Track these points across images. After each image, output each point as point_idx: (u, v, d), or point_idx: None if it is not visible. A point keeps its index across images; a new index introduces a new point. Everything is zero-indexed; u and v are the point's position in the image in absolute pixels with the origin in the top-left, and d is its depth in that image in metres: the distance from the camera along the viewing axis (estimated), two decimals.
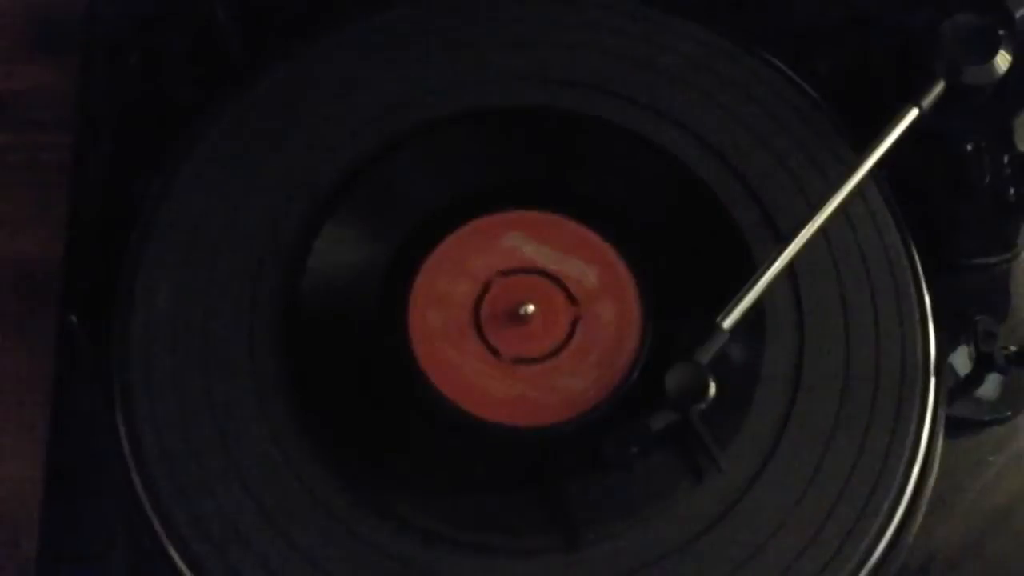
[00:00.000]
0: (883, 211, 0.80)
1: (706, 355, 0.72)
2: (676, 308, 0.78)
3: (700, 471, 0.73)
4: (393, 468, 0.75)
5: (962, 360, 0.80)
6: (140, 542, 0.75)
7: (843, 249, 0.79)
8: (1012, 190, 0.81)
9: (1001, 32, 0.79)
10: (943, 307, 0.78)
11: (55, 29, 0.94)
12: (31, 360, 0.86)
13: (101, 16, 0.90)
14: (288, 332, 0.77)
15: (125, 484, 0.74)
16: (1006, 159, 0.81)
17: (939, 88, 0.78)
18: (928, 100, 0.78)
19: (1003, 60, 0.79)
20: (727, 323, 0.73)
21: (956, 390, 0.79)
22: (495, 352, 0.77)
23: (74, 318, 0.81)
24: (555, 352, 0.77)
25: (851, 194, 0.76)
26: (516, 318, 0.77)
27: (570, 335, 0.78)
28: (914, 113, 0.78)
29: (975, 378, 0.79)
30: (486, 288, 0.79)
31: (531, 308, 0.77)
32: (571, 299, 0.79)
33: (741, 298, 0.74)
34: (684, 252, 0.79)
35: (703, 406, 0.71)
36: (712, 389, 0.71)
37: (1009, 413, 0.80)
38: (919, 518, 0.75)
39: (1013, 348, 0.77)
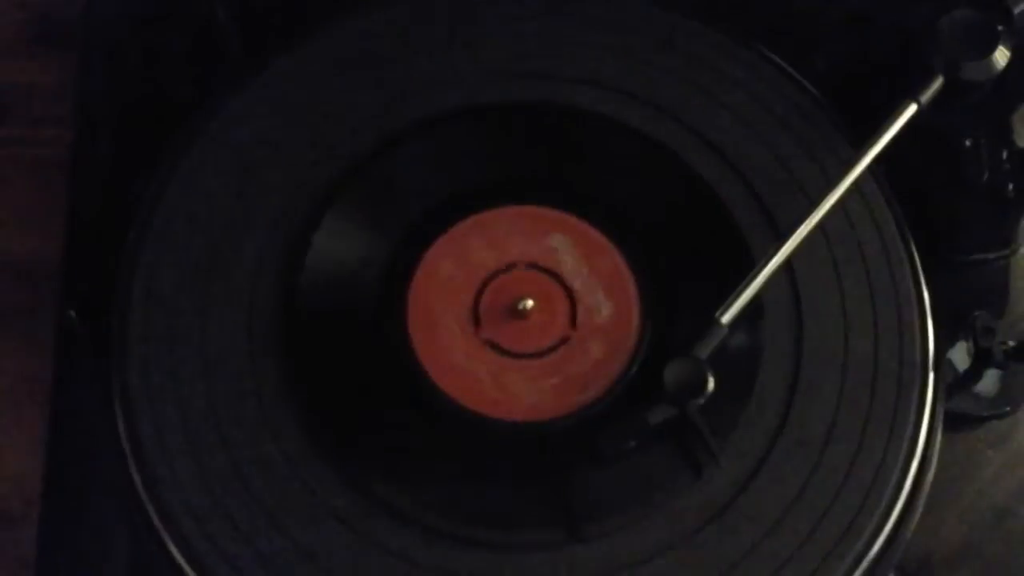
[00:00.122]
0: (882, 207, 0.80)
1: (705, 350, 0.72)
2: (675, 303, 0.78)
3: (699, 466, 0.73)
4: (393, 464, 0.75)
5: (961, 356, 0.80)
6: (140, 539, 0.75)
7: (842, 245, 0.79)
8: (1011, 186, 0.81)
9: (1000, 28, 0.79)
10: (942, 303, 0.78)
11: (54, 27, 0.94)
12: (30, 358, 0.86)
13: (100, 14, 0.90)
14: (287, 328, 0.77)
15: (125, 482, 0.74)
16: (1004, 155, 0.81)
17: (938, 84, 0.78)
18: (927, 96, 0.78)
19: (1001, 56, 0.79)
20: (726, 318, 0.73)
21: (955, 386, 0.79)
22: (494, 347, 0.77)
23: (73, 314, 0.81)
24: (554, 347, 0.77)
25: (849, 189, 0.76)
26: (515, 313, 0.78)
27: (569, 330, 0.78)
28: (913, 109, 0.78)
29: (974, 374, 0.79)
30: (485, 283, 0.79)
31: (530, 303, 0.77)
32: (570, 294, 0.79)
33: (740, 293, 0.74)
34: (683, 248, 0.79)
35: (702, 401, 0.71)
36: (711, 384, 0.71)
37: (1008, 408, 0.80)
38: (917, 514, 0.75)
39: (1011, 343, 0.77)
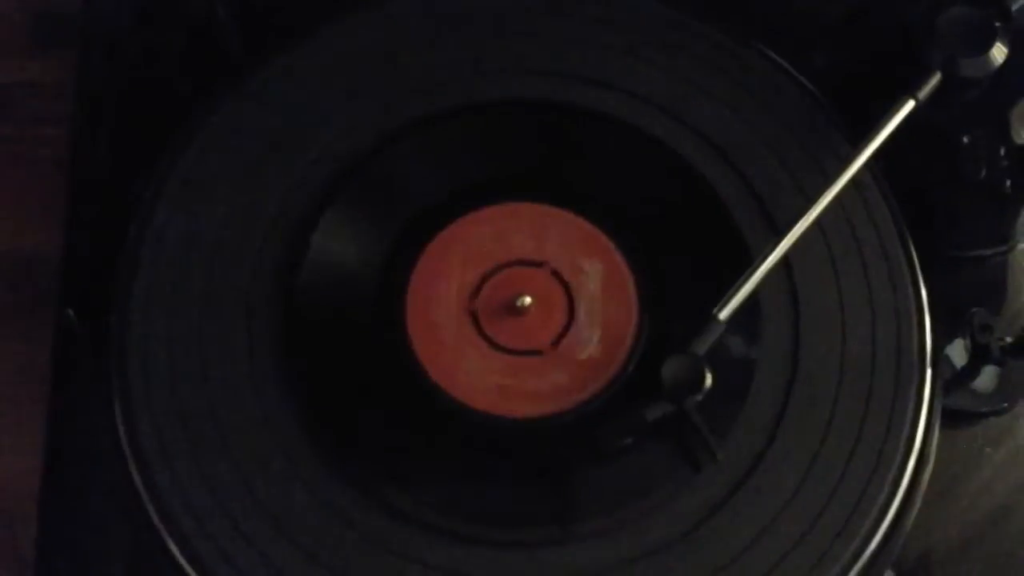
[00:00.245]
0: (879, 204, 0.80)
1: (703, 346, 0.72)
2: (673, 300, 0.78)
3: (697, 462, 0.73)
4: (392, 462, 0.75)
5: (958, 352, 0.80)
6: (140, 539, 0.75)
7: (839, 241, 0.79)
8: (1008, 182, 0.81)
9: (997, 24, 0.79)
10: (939, 299, 0.78)
11: (54, 24, 0.94)
12: (30, 356, 0.86)
13: (99, 11, 0.90)
14: (287, 328, 0.77)
15: (124, 481, 0.74)
16: (1002, 151, 0.81)
17: (935, 80, 0.78)
18: (924, 92, 0.78)
19: (999, 52, 0.79)
20: (723, 314, 0.73)
21: (952, 382, 0.79)
22: (493, 344, 0.77)
23: (72, 313, 0.81)
24: (552, 344, 0.77)
25: (847, 186, 0.76)
26: (513, 310, 0.78)
27: (567, 327, 0.78)
28: (910, 105, 0.78)
29: (971, 370, 0.79)
30: (483, 281, 0.79)
31: (528, 300, 0.78)
32: (568, 291, 0.79)
33: (737, 289, 0.74)
34: (681, 244, 0.79)
35: (699, 397, 0.71)
36: (708, 380, 0.71)
37: (1005, 405, 0.80)
38: (915, 511, 0.75)
39: (1009, 340, 0.77)
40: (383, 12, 0.84)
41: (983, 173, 0.81)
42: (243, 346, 0.76)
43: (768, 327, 0.77)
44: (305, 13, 0.85)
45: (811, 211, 0.76)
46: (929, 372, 0.77)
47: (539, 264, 0.79)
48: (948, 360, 0.79)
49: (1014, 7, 0.80)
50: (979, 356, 0.78)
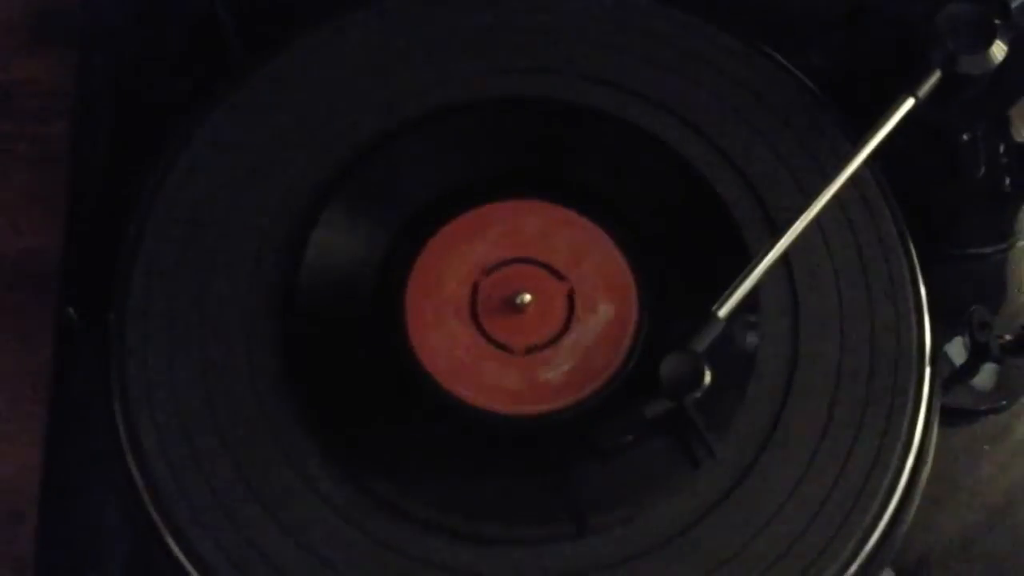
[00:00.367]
0: (879, 201, 0.80)
1: (702, 343, 0.72)
2: (672, 297, 0.78)
3: (695, 459, 0.72)
4: (392, 460, 0.75)
5: (958, 350, 0.80)
6: (140, 537, 0.75)
7: (839, 239, 0.79)
8: (1008, 180, 0.81)
9: (997, 22, 0.79)
10: (938, 297, 0.78)
11: (53, 21, 0.94)
12: (29, 354, 0.86)
13: (100, 9, 0.90)
14: (286, 326, 0.77)
15: (124, 480, 0.74)
16: (1002, 149, 0.81)
17: (935, 78, 0.78)
18: (924, 90, 0.78)
19: (999, 50, 0.79)
20: (723, 312, 0.73)
21: (951, 380, 0.79)
22: (492, 341, 0.77)
23: (72, 311, 0.81)
24: (551, 341, 0.77)
25: (846, 184, 0.76)
26: (513, 307, 0.78)
27: (566, 324, 0.78)
28: (910, 103, 0.78)
29: (970, 368, 0.79)
30: (483, 278, 0.79)
31: (527, 297, 0.77)
32: (567, 289, 0.79)
33: (737, 287, 0.74)
34: (680, 242, 0.79)
35: (698, 394, 0.71)
36: (707, 377, 0.71)
37: (1004, 403, 0.80)
38: (913, 509, 0.75)
39: (1008, 337, 0.77)
40: (383, 11, 0.84)
41: (982, 171, 0.81)
42: (242, 345, 0.76)
43: (767, 324, 0.77)
44: (304, 12, 0.85)
45: (810, 209, 0.75)
46: (928, 370, 0.77)
47: (538, 262, 0.79)
48: (947, 358, 0.79)
49: (1013, 5, 0.80)
50: (978, 354, 0.78)
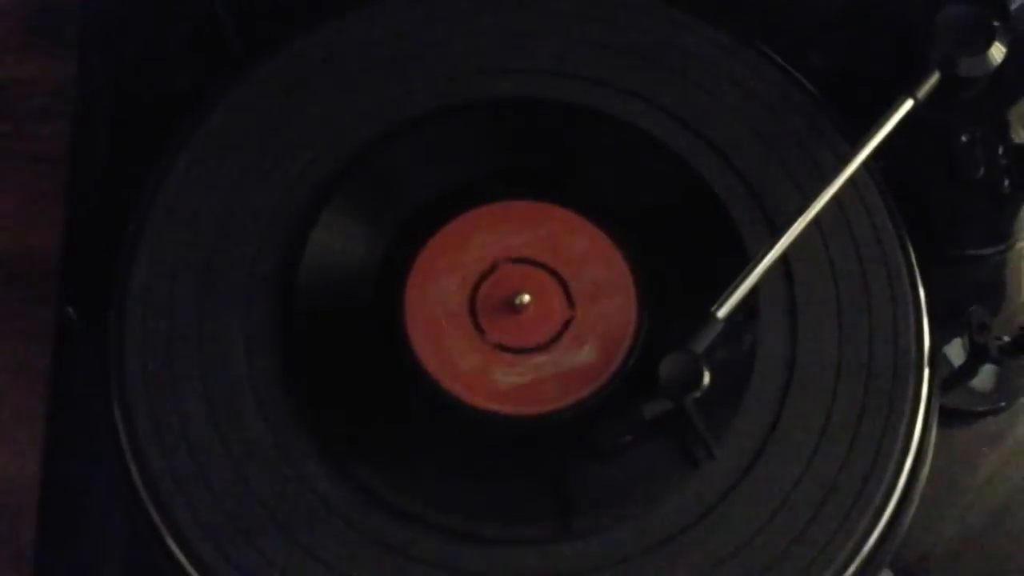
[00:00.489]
0: (878, 202, 0.80)
1: (701, 344, 0.72)
2: (671, 298, 0.78)
3: (694, 459, 0.73)
4: (391, 459, 0.75)
5: (956, 351, 0.80)
6: (139, 537, 0.75)
7: (837, 240, 0.79)
8: (1007, 181, 0.81)
9: (996, 23, 0.79)
10: (937, 298, 0.78)
11: (53, 19, 0.94)
12: (29, 351, 0.86)
13: (99, 8, 0.90)
14: (285, 325, 0.77)
15: (124, 479, 0.74)
16: (1001, 150, 0.81)
17: (934, 79, 0.78)
18: (923, 91, 0.78)
19: (997, 51, 0.79)
20: (722, 312, 0.73)
21: (950, 381, 0.79)
22: (491, 341, 0.77)
23: (71, 310, 0.81)
24: (551, 341, 0.77)
25: (845, 185, 0.76)
26: (512, 308, 0.78)
27: (566, 324, 0.78)
28: (909, 104, 0.78)
29: (969, 369, 0.79)
30: (482, 278, 0.79)
31: (527, 298, 0.77)
32: (566, 289, 0.79)
33: (736, 287, 0.74)
34: (679, 242, 0.79)
35: (697, 395, 0.71)
36: (706, 378, 0.71)
37: (1003, 404, 0.80)
38: (912, 510, 0.75)
39: (1007, 339, 0.77)
40: (382, 9, 0.84)
41: (981, 172, 0.81)
42: (242, 344, 0.76)
43: (766, 325, 0.77)
44: (304, 11, 0.85)
45: (809, 210, 0.76)
46: (927, 371, 0.76)
47: (537, 262, 0.79)
48: (946, 359, 0.80)
49: (1012, 6, 0.80)
50: (977, 355, 0.78)
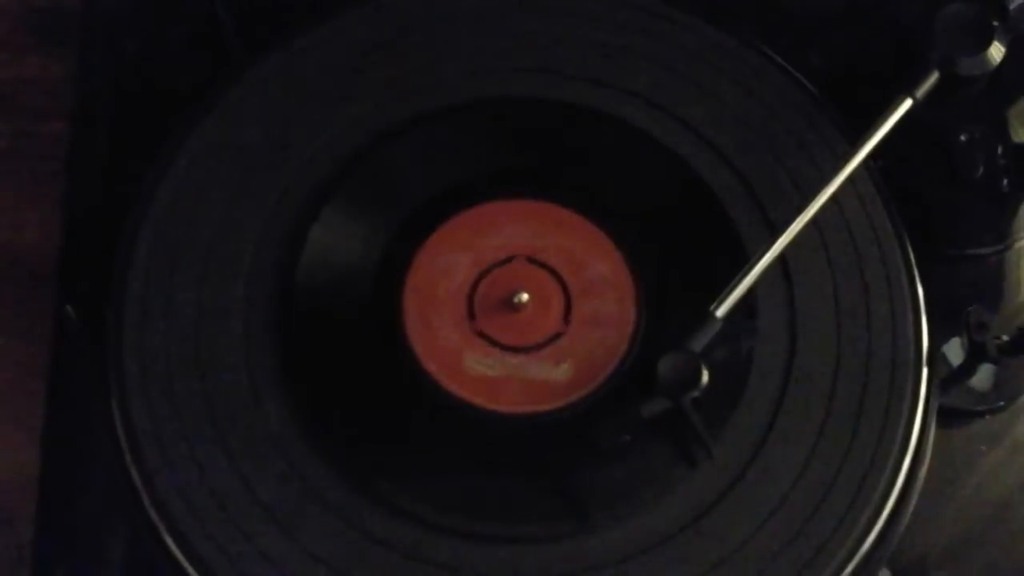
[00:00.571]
0: (876, 201, 0.80)
1: (699, 343, 0.72)
2: (670, 297, 0.78)
3: (693, 459, 0.73)
4: (390, 458, 0.75)
5: (955, 350, 0.80)
6: (138, 536, 0.75)
7: (836, 239, 0.79)
8: (1005, 181, 0.81)
9: (995, 23, 0.79)
10: (936, 297, 0.78)
11: (53, 18, 0.94)
12: (28, 350, 0.86)
13: (100, 7, 0.90)
14: (284, 323, 0.77)
15: (122, 479, 0.74)
16: (1000, 150, 0.81)
17: (933, 79, 0.78)
18: (922, 90, 0.78)
19: (996, 51, 0.79)
20: (720, 311, 0.73)
21: (949, 380, 0.79)
22: (489, 340, 0.77)
23: (70, 309, 0.81)
24: (549, 340, 0.77)
25: (843, 184, 0.76)
26: (510, 306, 0.78)
27: (564, 323, 0.78)
28: (908, 103, 0.78)
29: (967, 368, 0.79)
30: (481, 277, 0.79)
31: (525, 297, 0.78)
32: (565, 288, 0.79)
33: (734, 287, 0.74)
34: (678, 242, 0.79)
35: (696, 394, 0.71)
36: (705, 377, 0.71)
37: (1001, 403, 0.80)
38: (910, 509, 0.75)
39: (1006, 338, 0.77)
40: (382, 8, 0.84)
41: (980, 172, 0.81)
42: (241, 342, 0.76)
43: (764, 324, 0.77)
44: (304, 10, 0.85)
45: (808, 209, 0.76)
46: (925, 370, 0.76)
47: (536, 261, 0.79)
48: (945, 358, 0.79)
49: (1011, 6, 0.80)
50: (975, 355, 0.78)
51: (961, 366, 0.79)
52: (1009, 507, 0.81)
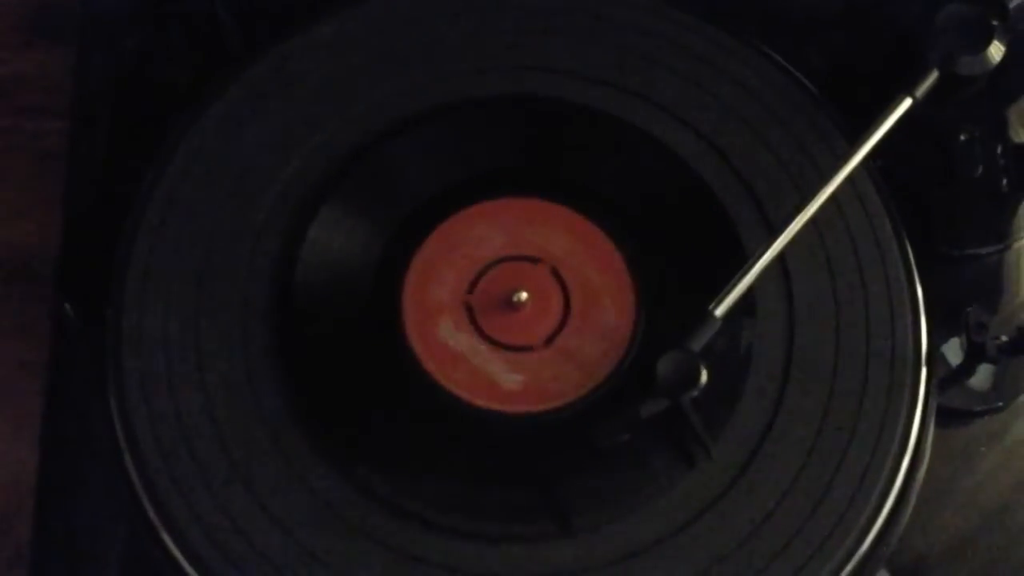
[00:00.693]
0: (875, 201, 0.80)
1: (698, 343, 0.72)
2: (669, 296, 0.78)
3: (691, 458, 0.73)
4: (390, 458, 0.75)
5: (954, 350, 0.80)
6: (136, 535, 0.75)
7: (835, 239, 0.79)
8: (1005, 181, 0.81)
9: (995, 22, 0.79)
10: (935, 297, 0.78)
11: (52, 15, 0.94)
12: (27, 348, 0.86)
13: (99, 5, 0.90)
14: (283, 323, 0.77)
15: (121, 478, 0.74)
16: (999, 150, 0.81)
17: (932, 78, 0.78)
18: (921, 90, 0.78)
19: (996, 50, 0.79)
20: (719, 311, 0.73)
21: (948, 380, 0.79)
22: (488, 339, 0.77)
23: (68, 306, 0.81)
24: (548, 339, 0.77)
25: (843, 184, 0.76)
26: (509, 305, 0.78)
27: (563, 322, 0.78)
28: (907, 103, 0.78)
29: (966, 368, 0.79)
30: (480, 276, 0.79)
31: (524, 295, 0.77)
32: (564, 287, 0.79)
33: (733, 286, 0.74)
34: (677, 241, 0.79)
35: (695, 393, 0.71)
36: (704, 376, 0.71)
37: (1000, 403, 0.80)
38: (909, 509, 0.75)
39: (1004, 338, 0.77)
40: (380, 9, 0.84)
41: (980, 171, 0.81)
42: (240, 342, 0.76)
43: (763, 324, 0.77)
44: (303, 9, 0.85)
45: (807, 209, 0.75)
46: (924, 370, 0.76)
47: (535, 260, 0.79)
48: (944, 358, 0.79)
49: (1011, 5, 0.80)
50: (974, 355, 0.78)
51: (960, 366, 0.79)
52: (1008, 507, 0.81)
